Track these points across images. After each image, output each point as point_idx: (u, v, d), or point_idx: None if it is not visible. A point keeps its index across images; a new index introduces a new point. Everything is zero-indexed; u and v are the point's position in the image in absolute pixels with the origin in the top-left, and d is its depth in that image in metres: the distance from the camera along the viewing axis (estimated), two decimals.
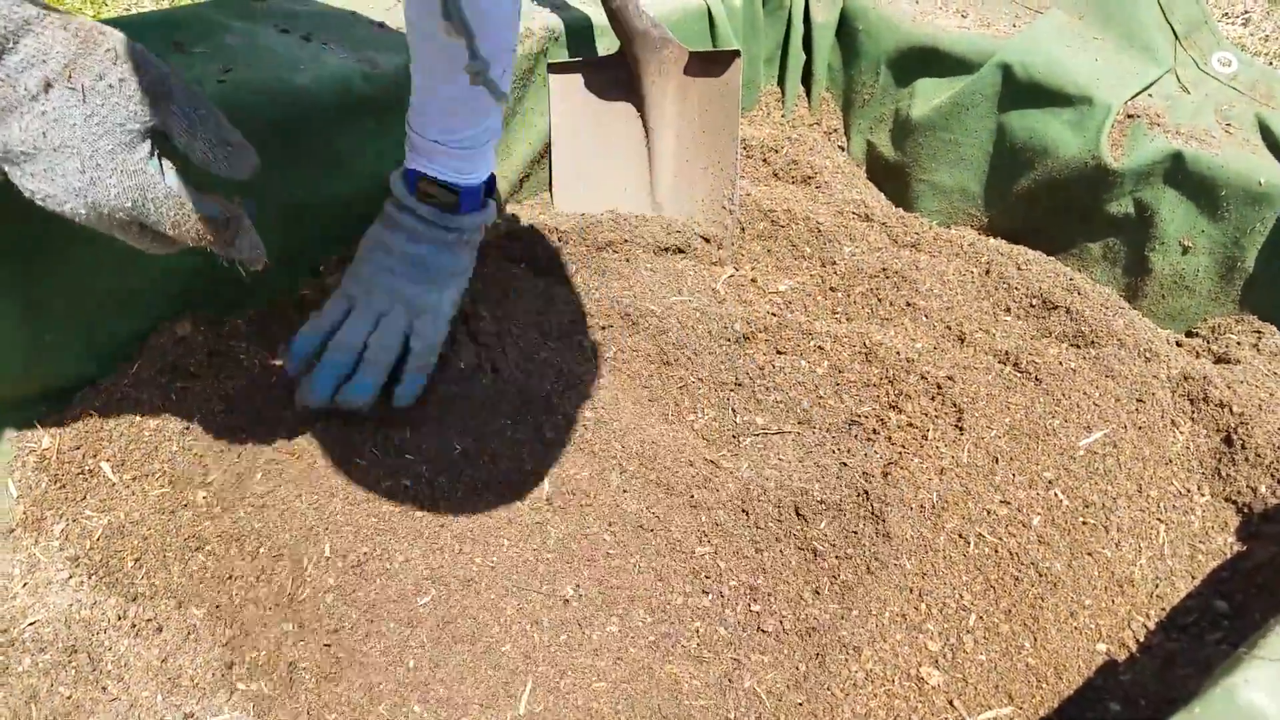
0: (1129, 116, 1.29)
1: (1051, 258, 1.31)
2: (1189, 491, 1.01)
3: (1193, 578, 0.96)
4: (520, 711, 0.86)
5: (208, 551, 1.00)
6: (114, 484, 1.05)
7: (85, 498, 1.03)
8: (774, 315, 1.14)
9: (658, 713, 0.84)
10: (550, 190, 1.44)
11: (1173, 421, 1.06)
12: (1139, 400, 1.05)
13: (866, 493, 0.96)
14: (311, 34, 1.21)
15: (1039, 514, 0.93)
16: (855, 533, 0.93)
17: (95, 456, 1.06)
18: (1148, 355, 1.10)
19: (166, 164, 0.75)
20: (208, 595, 0.96)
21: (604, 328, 1.17)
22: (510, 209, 1.41)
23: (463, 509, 1.02)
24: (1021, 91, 1.38)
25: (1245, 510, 1.00)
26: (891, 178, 1.61)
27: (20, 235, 0.97)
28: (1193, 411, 1.07)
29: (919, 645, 0.86)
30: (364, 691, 0.88)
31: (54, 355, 1.06)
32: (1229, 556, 0.97)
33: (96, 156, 0.70)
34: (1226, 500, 1.01)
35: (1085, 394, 1.04)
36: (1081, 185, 1.32)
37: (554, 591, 0.93)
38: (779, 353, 1.12)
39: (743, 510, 0.98)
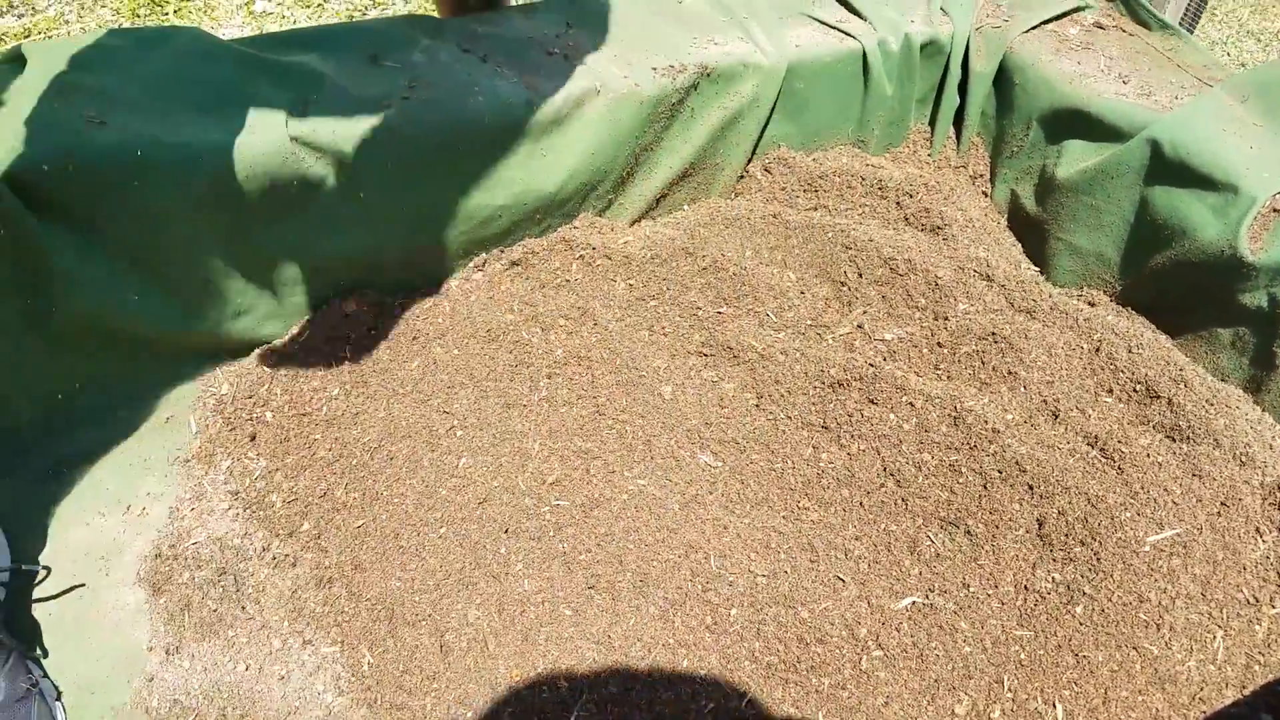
0: (1275, 210, 1.27)
1: (1168, 345, 1.31)
2: (1258, 601, 1.02)
3: (1243, 687, 0.97)
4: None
5: (344, 503, 1.17)
6: (275, 431, 1.23)
7: (251, 440, 1.22)
8: (871, 366, 1.20)
9: None
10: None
11: (1257, 529, 1.07)
12: (1223, 504, 1.06)
13: (929, 566, 1.03)
14: (488, 55, 1.35)
15: (1087, 602, 0.97)
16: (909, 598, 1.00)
17: (263, 406, 1.24)
18: (1243, 459, 1.10)
19: None
20: (338, 541, 1.13)
21: (705, 354, 1.26)
22: (644, 224, 1.52)
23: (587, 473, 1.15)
24: (1168, 169, 1.37)
25: None
26: (1031, 231, 1.62)
27: (228, 218, 1.15)
28: None
29: (945, 708, 0.93)
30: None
31: (241, 317, 1.25)
32: None
33: None
34: None
35: (1166, 490, 1.06)
36: (1215, 272, 1.31)
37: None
38: (871, 402, 1.18)
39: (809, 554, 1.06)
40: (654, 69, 1.39)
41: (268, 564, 1.12)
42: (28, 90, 1.09)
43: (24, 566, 1.04)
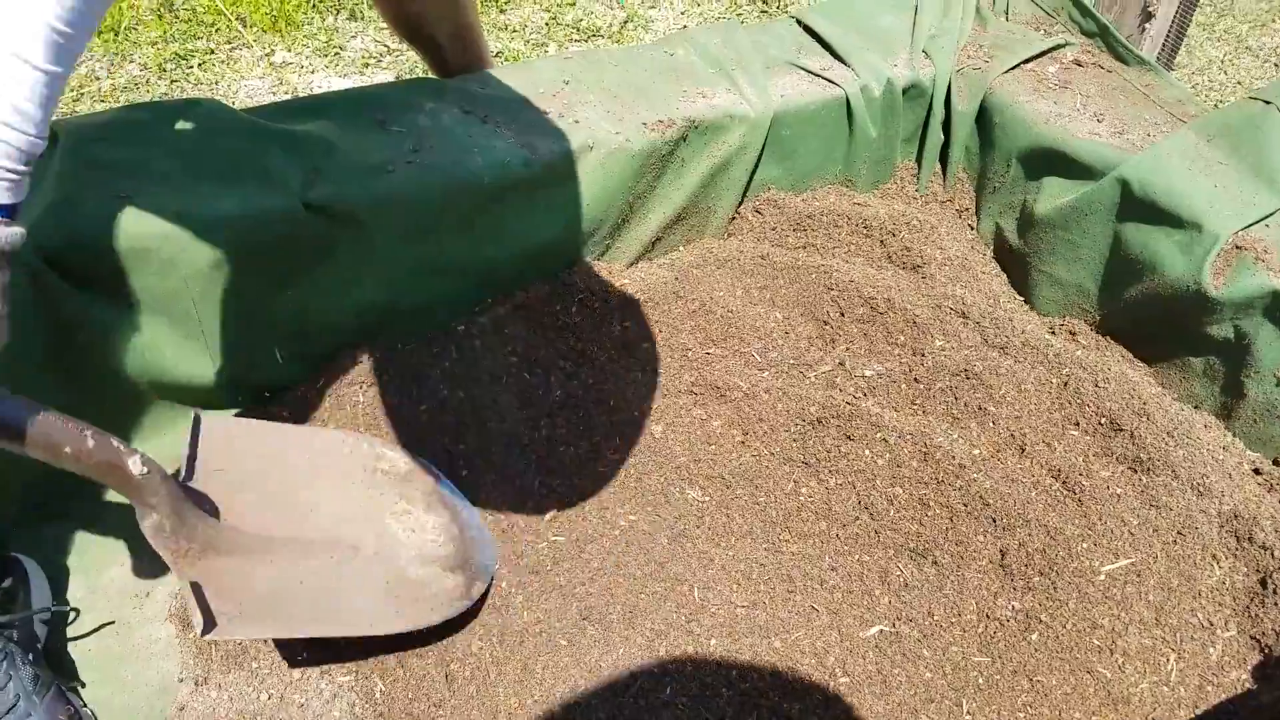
0: (1237, 248, 1.32)
1: (1135, 377, 1.37)
2: (1213, 625, 1.08)
3: (1195, 707, 1.03)
4: None
5: None
6: None
7: None
8: (849, 404, 1.28)
9: None
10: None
11: (1214, 556, 1.13)
12: (1179, 533, 1.12)
13: (898, 595, 1.10)
14: (488, 116, 1.44)
15: (1042, 629, 1.04)
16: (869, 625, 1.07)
17: None
18: (1200, 489, 1.16)
19: None
20: None
21: (694, 394, 1.34)
22: (641, 265, 1.60)
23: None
24: (1138, 207, 1.43)
25: (1266, 651, 1.06)
26: (1015, 262, 1.69)
27: (249, 279, 1.25)
28: (1236, 549, 1.13)
29: None
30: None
31: (265, 364, 1.35)
32: (1239, 693, 1.04)
33: None
34: (1251, 639, 1.08)
35: (1123, 521, 1.12)
36: (1184, 305, 1.37)
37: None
38: (848, 438, 1.26)
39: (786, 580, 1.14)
40: (644, 124, 1.48)
41: None
42: (60, 167, 1.19)
43: (53, 608, 1.13)
